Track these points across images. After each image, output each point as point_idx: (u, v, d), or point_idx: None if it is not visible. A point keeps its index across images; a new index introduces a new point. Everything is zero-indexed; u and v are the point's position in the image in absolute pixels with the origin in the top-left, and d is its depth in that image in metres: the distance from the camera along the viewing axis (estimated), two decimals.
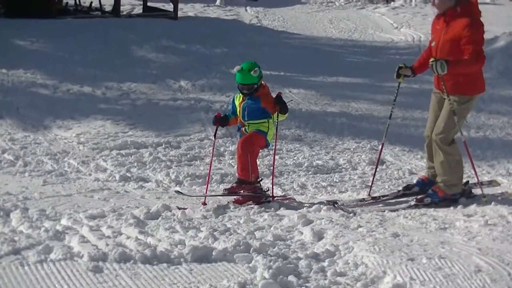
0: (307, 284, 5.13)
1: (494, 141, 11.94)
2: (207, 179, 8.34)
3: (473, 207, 7.11)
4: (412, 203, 7.40)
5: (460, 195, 7.44)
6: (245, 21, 26.28)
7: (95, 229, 6.20)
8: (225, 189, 8.01)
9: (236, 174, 8.02)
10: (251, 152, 7.79)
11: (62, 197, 7.93)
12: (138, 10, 25.83)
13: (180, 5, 25.37)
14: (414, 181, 8.03)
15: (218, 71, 17.10)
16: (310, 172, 9.86)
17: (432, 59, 7.02)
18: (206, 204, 7.64)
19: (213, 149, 8.75)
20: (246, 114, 7.82)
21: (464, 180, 7.67)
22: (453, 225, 6.50)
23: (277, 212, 7.14)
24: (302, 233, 6.28)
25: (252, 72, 7.74)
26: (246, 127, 7.88)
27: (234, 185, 7.94)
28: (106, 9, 24.90)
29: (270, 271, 5.21)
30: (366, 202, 7.66)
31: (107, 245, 5.68)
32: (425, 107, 14.13)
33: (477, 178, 7.58)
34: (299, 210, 7.06)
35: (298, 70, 17.94)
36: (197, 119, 12.60)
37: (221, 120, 8.01)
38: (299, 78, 16.95)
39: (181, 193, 8.01)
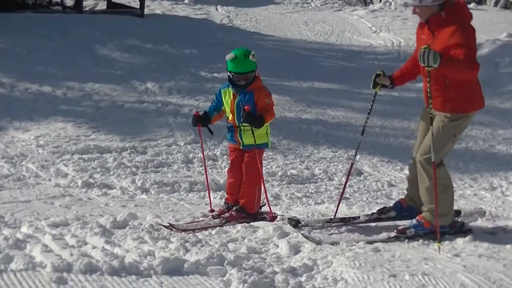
0: None
1: (477, 153, 12.09)
2: (208, 193, 7.95)
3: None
4: (392, 234, 6.60)
5: (449, 228, 6.60)
6: (216, 21, 26.32)
7: (59, 238, 6.17)
8: (222, 217, 7.29)
9: (240, 202, 7.37)
10: (258, 182, 7.36)
11: (21, 203, 7.88)
12: (102, 6, 25.71)
13: (147, 2, 25.34)
14: (391, 204, 7.13)
15: (187, 73, 17.15)
16: (284, 182, 9.92)
17: (425, 46, 6.09)
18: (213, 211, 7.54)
19: (203, 153, 8.07)
20: (242, 115, 7.13)
21: (456, 208, 6.94)
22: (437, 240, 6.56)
23: (251, 223, 7.15)
24: (278, 246, 6.31)
25: (250, 57, 7.08)
26: (242, 131, 7.27)
27: (234, 213, 7.30)
28: (68, 4, 24.78)
29: (245, 285, 5.25)
30: (334, 224, 6.84)
31: (72, 255, 5.66)
32: (405, 115, 14.41)
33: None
34: (275, 221, 7.08)
35: (271, 74, 17.92)
36: (165, 124, 12.60)
37: (203, 119, 7.40)
38: (273, 83, 16.93)
39: (172, 226, 6.99)
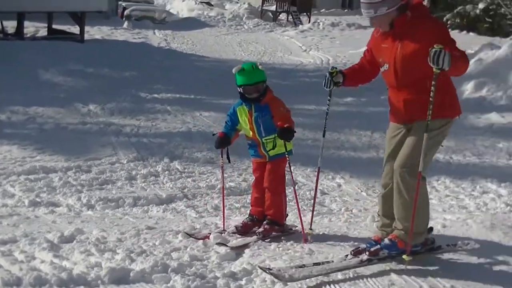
0: None
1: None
2: (223, 213, 7.48)
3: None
4: (365, 258, 5.86)
5: (422, 246, 6.03)
6: (154, 44, 26.38)
7: (7, 254, 6.14)
8: (258, 233, 6.89)
9: (266, 213, 7.02)
10: (283, 190, 6.98)
11: None
12: (43, 32, 25.60)
13: (87, 28, 25.32)
14: (364, 245, 6.22)
15: (128, 94, 17.18)
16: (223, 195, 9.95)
17: (439, 46, 5.26)
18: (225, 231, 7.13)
19: (222, 175, 7.61)
20: (263, 130, 6.82)
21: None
22: (367, 240, 6.68)
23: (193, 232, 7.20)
24: (218, 253, 6.38)
25: (259, 67, 6.73)
26: (265, 144, 6.90)
27: (267, 226, 6.91)
28: (9, 31, 24.57)
29: None
30: (307, 268, 5.86)
31: (21, 269, 5.65)
32: (336, 128, 14.58)
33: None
34: (215, 230, 7.15)
35: (209, 93, 18.12)
36: (108, 143, 12.57)
37: (225, 141, 7.02)
38: (210, 101, 17.11)
39: (224, 244, 6.62)
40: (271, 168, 6.92)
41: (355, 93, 17.08)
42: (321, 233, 7.19)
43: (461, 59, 5.41)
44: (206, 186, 10.22)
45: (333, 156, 12.26)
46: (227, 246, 6.58)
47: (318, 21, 38.30)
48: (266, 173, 6.95)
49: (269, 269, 5.81)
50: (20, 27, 23.83)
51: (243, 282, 5.67)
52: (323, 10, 49.31)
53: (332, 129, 13.88)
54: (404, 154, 5.74)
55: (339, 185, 10.39)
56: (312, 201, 9.59)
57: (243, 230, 7.08)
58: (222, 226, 7.28)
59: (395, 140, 5.98)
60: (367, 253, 5.86)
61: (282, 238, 6.88)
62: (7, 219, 8.18)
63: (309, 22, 39.79)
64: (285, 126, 6.64)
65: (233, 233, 7.05)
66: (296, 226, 7.18)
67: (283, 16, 42.72)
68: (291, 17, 41.66)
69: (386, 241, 5.89)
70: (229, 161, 7.37)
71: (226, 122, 7.12)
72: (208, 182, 10.42)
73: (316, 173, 11.17)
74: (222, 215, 7.45)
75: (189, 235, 6.96)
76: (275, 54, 26.31)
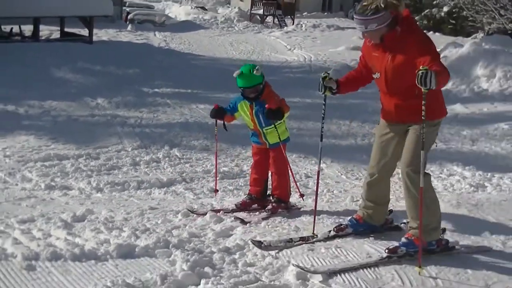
0: (221, 274, 5.21)
1: None
2: (215, 178, 7.77)
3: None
4: (384, 255, 5.49)
5: (437, 245, 5.60)
6: (155, 45, 26.28)
7: (27, 232, 6.10)
8: (267, 210, 6.97)
9: (272, 193, 7.13)
10: (287, 173, 7.07)
11: None
12: (56, 35, 25.48)
13: (95, 30, 25.21)
14: (346, 221, 6.15)
15: (131, 89, 17.13)
16: (217, 178, 9.93)
17: (424, 68, 4.95)
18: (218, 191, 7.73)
19: (216, 143, 7.60)
20: (263, 121, 6.84)
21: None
22: (349, 218, 6.66)
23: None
24: (214, 230, 6.36)
25: (254, 72, 6.69)
26: (265, 135, 6.94)
27: (274, 204, 7.00)
28: (26, 34, 24.45)
29: (188, 263, 5.29)
30: (295, 243, 5.82)
31: (39, 245, 5.62)
32: (320, 119, 14.53)
33: None
34: (211, 210, 7.13)
35: (204, 88, 18.08)
36: (114, 133, 12.55)
37: (219, 113, 6.98)
38: (205, 95, 17.07)
39: (241, 220, 6.64)
40: (275, 155, 6.99)
41: None
42: (307, 210, 7.18)
43: (442, 74, 5.06)
44: (202, 171, 10.22)
45: (316, 143, 12.16)
46: (244, 220, 6.60)
47: (301, 23, 38.27)
48: (271, 160, 7.04)
49: (260, 242, 5.81)
50: (36, 30, 23.71)
51: (236, 256, 5.65)
52: (305, 13, 49.19)
53: (315, 119, 13.86)
54: (407, 155, 5.46)
55: (322, 169, 10.37)
56: (298, 183, 9.66)
57: (243, 207, 7.14)
58: (215, 186, 7.42)
59: (385, 138, 5.73)
60: (386, 250, 5.51)
61: (270, 217, 6.82)
62: (25, 201, 8.16)
63: (293, 24, 39.73)
64: (273, 108, 6.60)
65: (234, 210, 7.06)
66: (297, 205, 7.32)
67: (269, 19, 42.62)
68: (276, 19, 41.57)
69: (404, 239, 5.54)
70: (226, 130, 7.26)
71: (228, 105, 7.12)
72: (204, 167, 10.42)
73: (301, 158, 11.29)
74: (214, 177, 7.50)
75: (191, 211, 6.99)
76: (263, 53, 26.24)
